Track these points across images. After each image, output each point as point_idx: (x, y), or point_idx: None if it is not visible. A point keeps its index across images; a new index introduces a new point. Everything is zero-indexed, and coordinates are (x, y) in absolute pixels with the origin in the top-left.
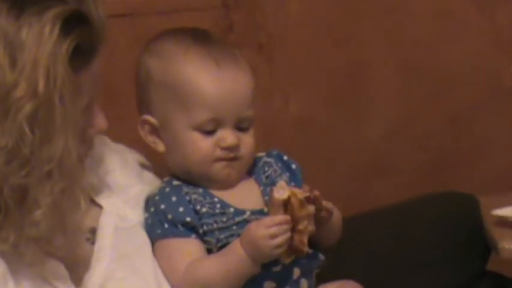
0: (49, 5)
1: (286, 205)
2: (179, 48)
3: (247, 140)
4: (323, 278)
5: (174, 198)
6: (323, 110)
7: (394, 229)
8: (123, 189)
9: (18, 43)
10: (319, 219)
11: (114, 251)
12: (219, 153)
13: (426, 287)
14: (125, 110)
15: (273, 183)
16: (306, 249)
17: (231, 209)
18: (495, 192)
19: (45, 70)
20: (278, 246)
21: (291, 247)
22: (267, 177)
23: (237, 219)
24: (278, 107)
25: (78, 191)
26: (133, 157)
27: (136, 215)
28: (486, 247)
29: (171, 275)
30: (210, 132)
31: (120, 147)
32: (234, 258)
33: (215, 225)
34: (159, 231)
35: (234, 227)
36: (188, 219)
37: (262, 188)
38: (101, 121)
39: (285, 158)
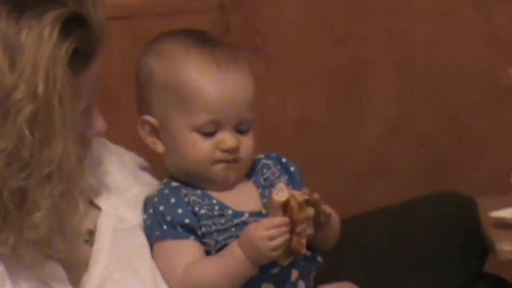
0: (48, 7)
1: (285, 207)
2: (180, 49)
3: (246, 142)
4: (323, 277)
5: (172, 200)
6: (323, 110)
7: (393, 230)
8: (122, 191)
9: (18, 46)
10: (318, 222)
11: (113, 252)
12: (218, 155)
13: None
14: (124, 111)
15: (271, 186)
16: (304, 251)
17: (230, 211)
18: (493, 194)
19: (44, 72)
20: (276, 248)
21: (289, 249)
22: (265, 179)
23: (236, 221)
24: (275, 108)
25: (77, 193)
26: (131, 158)
27: (135, 217)
28: (484, 248)
29: (169, 276)
30: (209, 134)
31: (118, 149)
32: (233, 259)
33: (213, 227)
34: (157, 232)
35: (233, 229)
36: (187, 220)
37: (260, 190)
38: (99, 123)
39: (284, 160)
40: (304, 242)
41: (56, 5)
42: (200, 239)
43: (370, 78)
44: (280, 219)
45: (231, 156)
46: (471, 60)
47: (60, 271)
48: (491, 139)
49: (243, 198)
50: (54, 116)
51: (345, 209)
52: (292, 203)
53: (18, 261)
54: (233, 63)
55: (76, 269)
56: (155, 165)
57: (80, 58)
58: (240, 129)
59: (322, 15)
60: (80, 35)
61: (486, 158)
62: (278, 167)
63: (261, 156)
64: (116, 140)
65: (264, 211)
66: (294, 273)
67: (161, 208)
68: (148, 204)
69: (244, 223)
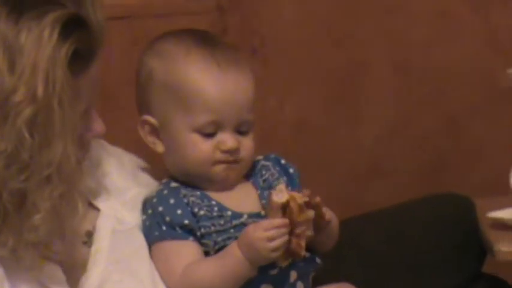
0: (48, 9)
1: (284, 208)
2: (181, 49)
3: (247, 143)
4: (321, 279)
5: (172, 201)
6: (321, 111)
7: (390, 231)
8: (121, 192)
9: (18, 47)
10: (318, 225)
11: (111, 253)
12: (219, 156)
13: None
14: (123, 111)
15: (270, 187)
16: (304, 253)
17: (229, 212)
18: (490, 195)
19: (44, 74)
20: (275, 249)
21: (288, 250)
22: (264, 180)
23: (235, 222)
24: (273, 109)
25: (76, 195)
26: (130, 160)
27: (134, 218)
28: (482, 249)
29: (168, 277)
30: (210, 135)
31: (117, 150)
32: (232, 260)
33: (213, 228)
34: (156, 233)
35: (232, 230)
36: (186, 221)
37: (259, 191)
38: (98, 125)
39: (283, 161)
40: (303, 243)
41: (56, 7)
42: (199, 239)
43: (368, 80)
44: (279, 220)
45: (232, 157)
46: (469, 62)
47: (59, 273)
48: (489, 140)
49: (242, 199)
50: (54, 118)
51: (342, 210)
52: (292, 204)
53: (17, 263)
54: (234, 64)
55: (75, 270)
56: (154, 165)
57: (79, 60)
58: (240, 130)
59: (319, 17)
60: (79, 36)
61: (484, 159)
62: (277, 168)
63: (260, 157)
64: (115, 140)
65: (262, 212)
66: (293, 275)
67: (160, 209)
68: (147, 204)
69: (243, 224)
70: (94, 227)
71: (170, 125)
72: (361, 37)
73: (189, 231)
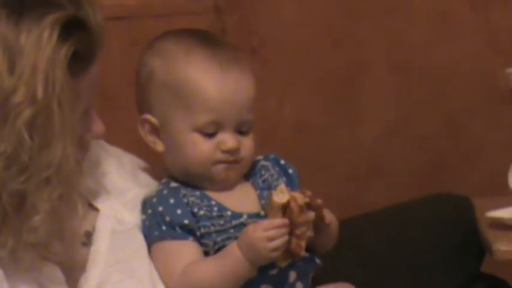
0: (48, 10)
1: (285, 209)
2: (181, 49)
3: (247, 144)
4: (321, 279)
5: (172, 201)
6: (320, 111)
7: (390, 231)
8: (121, 192)
9: (17, 48)
10: (318, 226)
11: (111, 254)
12: (219, 156)
13: None
14: (122, 112)
15: (269, 187)
16: (303, 253)
17: (228, 212)
18: (489, 194)
19: (44, 75)
20: (275, 249)
21: (288, 250)
22: (263, 181)
23: (234, 222)
24: (273, 110)
25: (76, 196)
26: (130, 160)
27: (133, 218)
28: (481, 249)
29: (167, 277)
30: (210, 135)
31: (117, 151)
32: (231, 260)
33: (212, 228)
34: (156, 233)
35: (231, 230)
36: (186, 221)
37: (258, 191)
38: (98, 126)
39: (282, 162)
40: (303, 244)
41: (55, 8)
42: (199, 239)
43: (368, 80)
44: (279, 220)
45: (232, 157)
46: (469, 62)
47: (58, 274)
48: (488, 140)
49: (241, 199)
50: (54, 120)
51: (342, 210)
52: (293, 205)
53: (16, 264)
54: (235, 64)
55: (74, 271)
56: (154, 165)
57: (79, 61)
58: (240, 130)
59: (319, 17)
60: (79, 38)
61: (483, 159)
62: (277, 168)
63: (260, 157)
64: (115, 140)
65: (262, 212)
66: (292, 275)
67: (160, 209)
68: (147, 204)
69: (243, 224)
70: (93, 228)
71: (170, 124)
72: (361, 37)
73: (188, 231)
